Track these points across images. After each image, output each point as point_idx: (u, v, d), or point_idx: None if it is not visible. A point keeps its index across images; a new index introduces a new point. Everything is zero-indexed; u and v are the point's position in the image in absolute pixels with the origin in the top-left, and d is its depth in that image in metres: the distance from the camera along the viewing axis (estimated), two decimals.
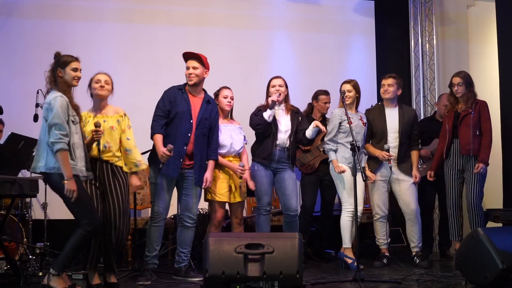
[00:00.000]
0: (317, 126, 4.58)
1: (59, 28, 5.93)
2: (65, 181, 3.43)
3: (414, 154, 5.05)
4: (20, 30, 5.92)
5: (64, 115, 3.48)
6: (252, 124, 4.63)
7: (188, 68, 4.37)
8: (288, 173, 4.66)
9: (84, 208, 3.54)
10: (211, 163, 4.38)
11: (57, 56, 3.64)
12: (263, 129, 4.58)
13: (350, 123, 4.55)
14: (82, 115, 3.84)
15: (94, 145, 3.80)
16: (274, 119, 4.61)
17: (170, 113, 4.29)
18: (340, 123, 4.76)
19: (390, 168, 4.80)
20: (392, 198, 5.17)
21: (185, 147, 4.24)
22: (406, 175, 4.97)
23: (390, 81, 5.01)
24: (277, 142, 4.60)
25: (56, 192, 3.60)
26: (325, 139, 4.85)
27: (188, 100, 4.34)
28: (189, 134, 4.26)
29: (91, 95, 3.98)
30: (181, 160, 4.24)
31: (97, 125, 3.75)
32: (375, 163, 4.96)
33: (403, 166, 4.96)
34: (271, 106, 4.53)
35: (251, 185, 4.58)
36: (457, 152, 4.94)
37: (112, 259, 3.85)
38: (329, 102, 5.55)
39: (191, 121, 4.28)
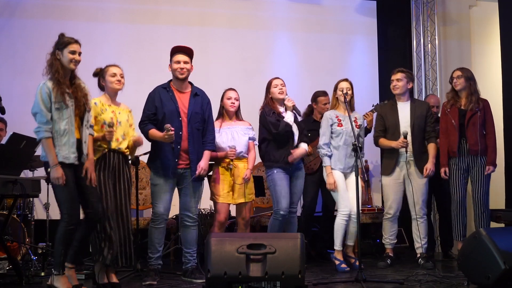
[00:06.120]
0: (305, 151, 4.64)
1: (61, 28, 5.76)
2: (49, 169, 3.46)
3: (431, 147, 4.90)
4: (22, 30, 5.94)
5: (45, 103, 3.46)
6: (279, 132, 4.50)
7: (179, 62, 4.29)
8: (301, 172, 4.69)
9: (65, 198, 3.50)
10: (206, 153, 4.30)
11: (59, 37, 3.64)
12: (289, 133, 4.56)
13: (356, 124, 4.65)
14: (98, 103, 3.88)
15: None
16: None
17: (158, 115, 4.24)
18: (331, 125, 4.74)
19: (406, 153, 4.78)
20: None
21: (178, 146, 4.20)
22: (420, 172, 4.84)
23: (398, 75, 4.95)
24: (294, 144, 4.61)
25: None
26: (320, 143, 4.77)
27: (175, 98, 4.27)
28: (180, 132, 4.20)
29: (100, 86, 4.03)
30: (176, 160, 4.20)
31: (110, 125, 3.80)
32: (390, 161, 4.89)
33: (418, 162, 4.84)
34: (293, 109, 4.56)
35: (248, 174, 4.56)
36: (464, 152, 4.83)
37: (131, 251, 3.87)
38: (329, 103, 5.53)
39: (180, 118, 4.22)
